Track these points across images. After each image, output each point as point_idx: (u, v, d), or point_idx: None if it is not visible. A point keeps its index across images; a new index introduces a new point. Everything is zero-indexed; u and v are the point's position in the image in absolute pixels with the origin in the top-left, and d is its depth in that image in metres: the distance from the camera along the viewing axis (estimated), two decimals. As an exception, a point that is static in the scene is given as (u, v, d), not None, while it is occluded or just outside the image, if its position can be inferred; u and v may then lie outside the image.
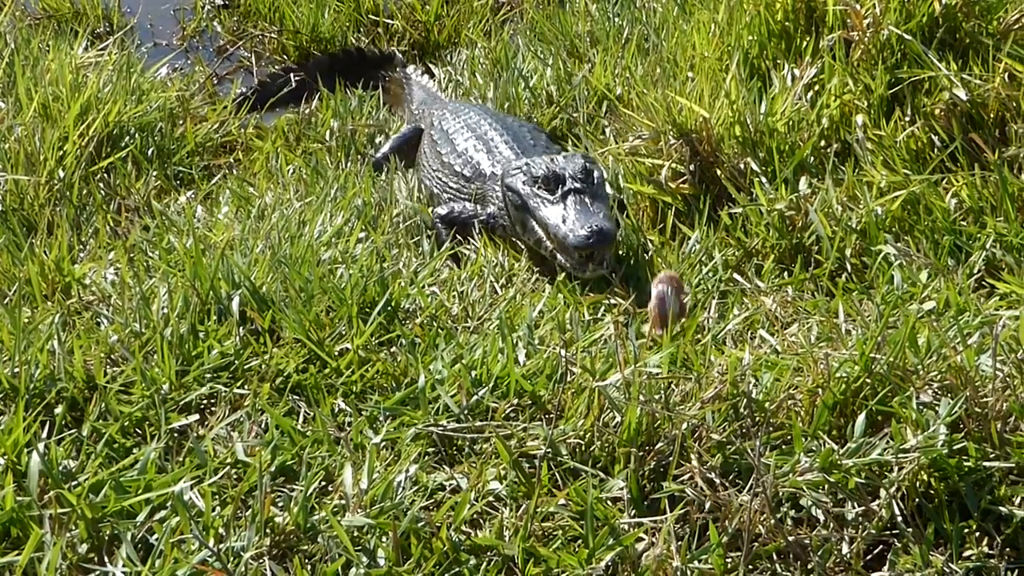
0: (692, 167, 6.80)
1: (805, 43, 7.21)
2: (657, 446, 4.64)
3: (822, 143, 6.76)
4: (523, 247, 6.50)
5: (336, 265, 5.93)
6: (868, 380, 4.73)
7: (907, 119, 6.69)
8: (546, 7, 9.93)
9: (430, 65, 8.92)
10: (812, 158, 6.64)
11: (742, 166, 6.69)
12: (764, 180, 6.54)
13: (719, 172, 6.72)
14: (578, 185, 6.28)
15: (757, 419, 4.71)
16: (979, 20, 6.93)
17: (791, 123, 6.83)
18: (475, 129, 7.16)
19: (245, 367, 5.20)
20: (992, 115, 6.55)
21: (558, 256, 6.16)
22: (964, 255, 5.95)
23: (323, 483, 4.57)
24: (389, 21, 10.29)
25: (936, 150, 6.52)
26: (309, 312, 5.39)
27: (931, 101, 6.64)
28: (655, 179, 6.81)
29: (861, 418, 4.59)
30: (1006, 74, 6.58)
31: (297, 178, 7.65)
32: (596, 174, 6.39)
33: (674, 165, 6.83)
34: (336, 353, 5.25)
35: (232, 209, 7.06)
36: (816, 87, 7.01)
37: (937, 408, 4.57)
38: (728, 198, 6.59)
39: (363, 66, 9.42)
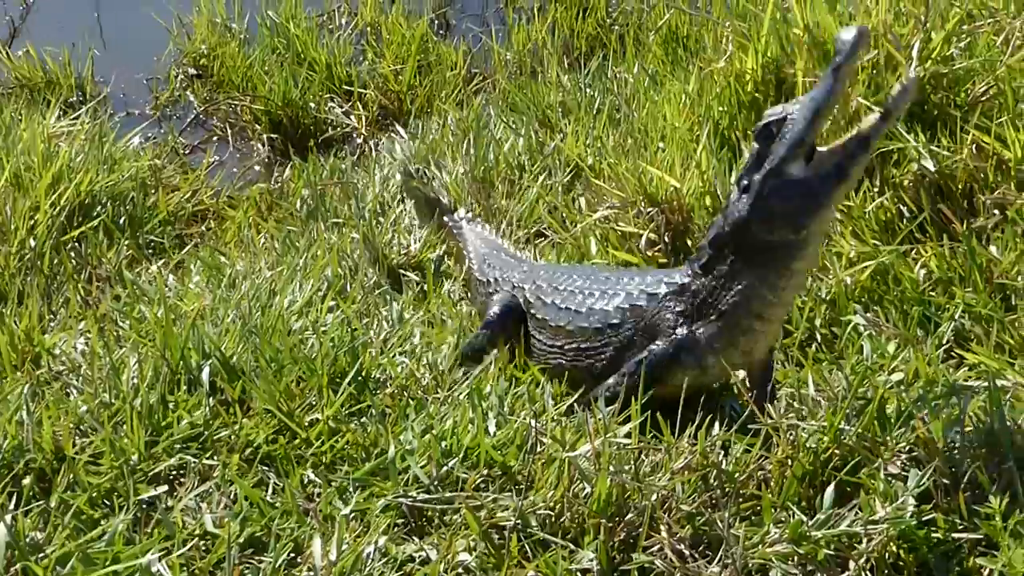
0: (664, 236, 6.83)
1: (775, 114, 7.25)
2: (627, 517, 4.62)
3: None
4: None
5: (307, 335, 5.92)
6: (837, 451, 4.74)
7: (876, 190, 6.74)
8: (518, 77, 10.01)
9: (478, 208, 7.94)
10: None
11: (713, 236, 6.71)
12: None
13: (690, 241, 6.75)
14: (789, 103, 5.28)
15: (727, 490, 4.71)
16: (947, 92, 6.99)
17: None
18: (590, 285, 5.97)
19: (215, 438, 5.17)
20: (960, 186, 6.60)
21: (871, 130, 5.05)
22: (933, 325, 5.97)
23: (292, 555, 4.54)
24: (362, 91, 10.33)
25: (905, 221, 6.57)
26: (279, 382, 5.38)
27: (900, 172, 6.70)
28: (631, 247, 6.84)
29: (830, 489, 4.58)
30: (974, 145, 6.63)
31: (268, 247, 7.65)
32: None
33: (650, 235, 6.87)
34: (306, 424, 5.23)
35: (203, 278, 7.06)
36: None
37: (906, 479, 4.58)
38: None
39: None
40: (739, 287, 5.28)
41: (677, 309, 5.48)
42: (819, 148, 5.12)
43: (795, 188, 5.11)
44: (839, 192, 5.12)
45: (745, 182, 5.23)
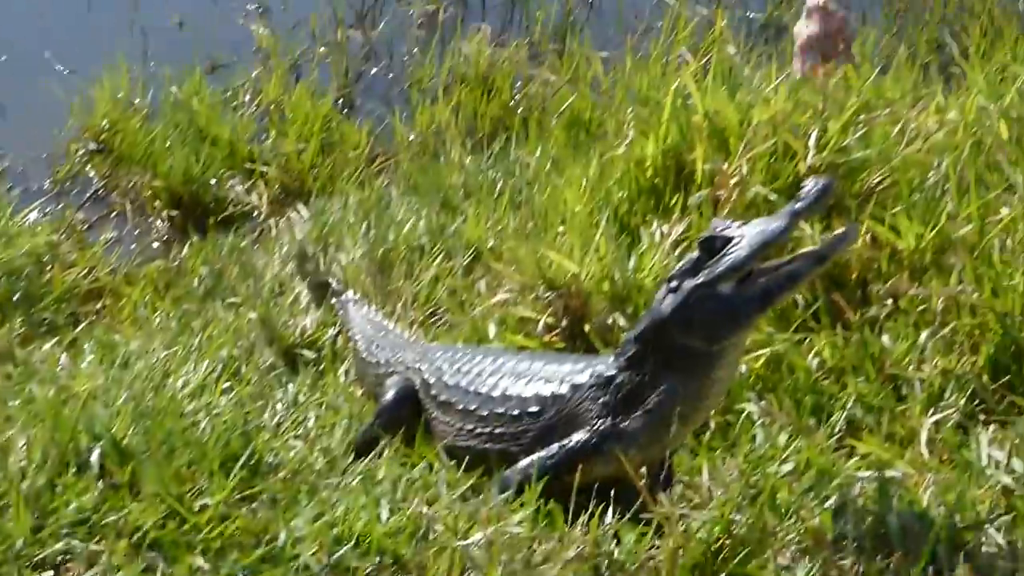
0: (563, 321, 6.85)
1: (674, 200, 7.33)
2: (518, 606, 4.62)
3: (689, 300, 6.83)
4: None
5: (200, 417, 5.87)
6: (728, 541, 4.75)
7: (772, 277, 6.79)
8: (421, 159, 10.04)
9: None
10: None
11: (610, 321, 6.74)
12: (631, 336, 6.58)
13: (587, 327, 6.76)
14: (740, 222, 5.31)
15: (618, 579, 4.72)
16: (843, 181, 7.08)
17: (659, 279, 6.88)
18: (499, 368, 5.92)
19: (103, 522, 5.09)
20: (854, 275, 6.69)
21: (801, 268, 5.11)
22: (826, 415, 6.01)
23: (179, 643, 4.49)
24: (264, 168, 10.31)
25: (800, 309, 6.61)
26: (170, 466, 5.31)
27: (795, 260, 6.75)
28: (529, 331, 6.85)
29: (721, 579, 4.61)
30: (868, 235, 6.71)
31: (164, 326, 7.60)
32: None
33: (548, 319, 6.88)
34: (196, 509, 5.17)
35: (97, 358, 6.99)
36: (684, 244, 7.10)
37: (795, 570, 4.60)
38: (597, 353, 6.62)
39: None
40: (663, 387, 5.30)
41: (601, 400, 5.46)
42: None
43: (720, 304, 5.17)
44: (760, 315, 5.28)
45: (675, 284, 5.29)
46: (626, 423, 5.37)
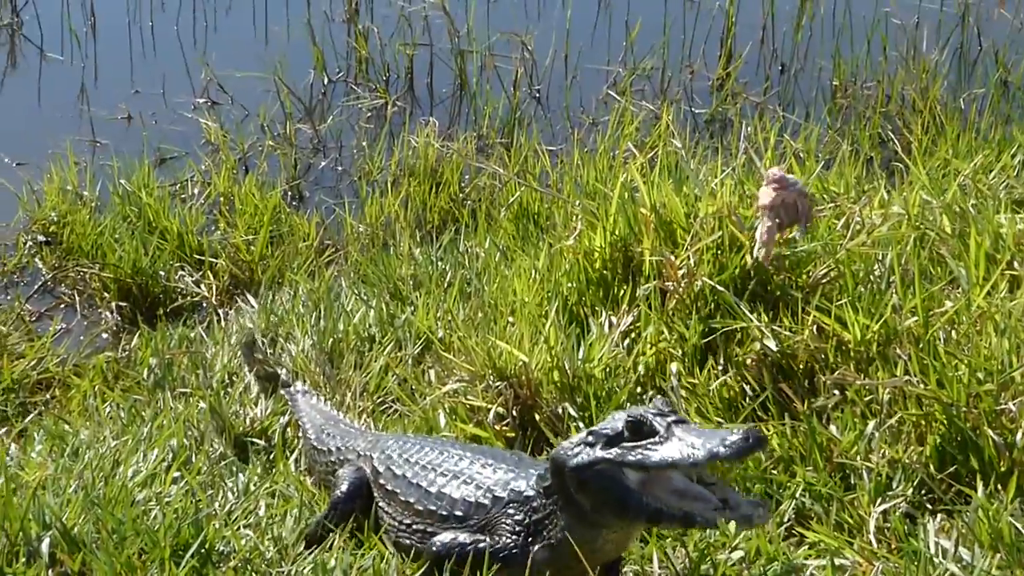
0: (513, 410, 6.90)
1: (622, 291, 7.41)
2: None
3: (638, 389, 6.91)
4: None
5: (150, 505, 5.87)
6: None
7: (720, 368, 6.87)
8: (371, 250, 10.10)
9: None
10: (628, 404, 6.75)
11: (560, 411, 6.79)
12: (581, 425, 6.63)
13: (538, 416, 6.81)
14: (677, 417, 5.32)
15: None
16: (789, 274, 7.18)
17: (608, 369, 6.97)
18: (441, 464, 6.01)
19: (52, 614, 5.11)
20: (802, 366, 6.76)
21: (697, 517, 5.14)
22: (775, 503, 6.07)
23: None
24: (214, 260, 10.35)
25: (748, 399, 6.69)
26: (121, 554, 5.32)
27: (743, 351, 6.84)
28: (479, 420, 6.90)
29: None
30: (814, 326, 6.80)
31: (114, 416, 7.60)
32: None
33: (498, 409, 6.93)
34: (148, 598, 5.19)
35: (46, 447, 6.98)
36: (633, 334, 7.18)
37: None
38: (547, 442, 6.67)
39: None
40: (563, 525, 5.40)
41: (516, 518, 5.55)
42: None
43: (614, 489, 5.22)
44: (645, 523, 5.30)
45: (591, 440, 5.33)
46: (536, 547, 5.46)
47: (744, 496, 5.18)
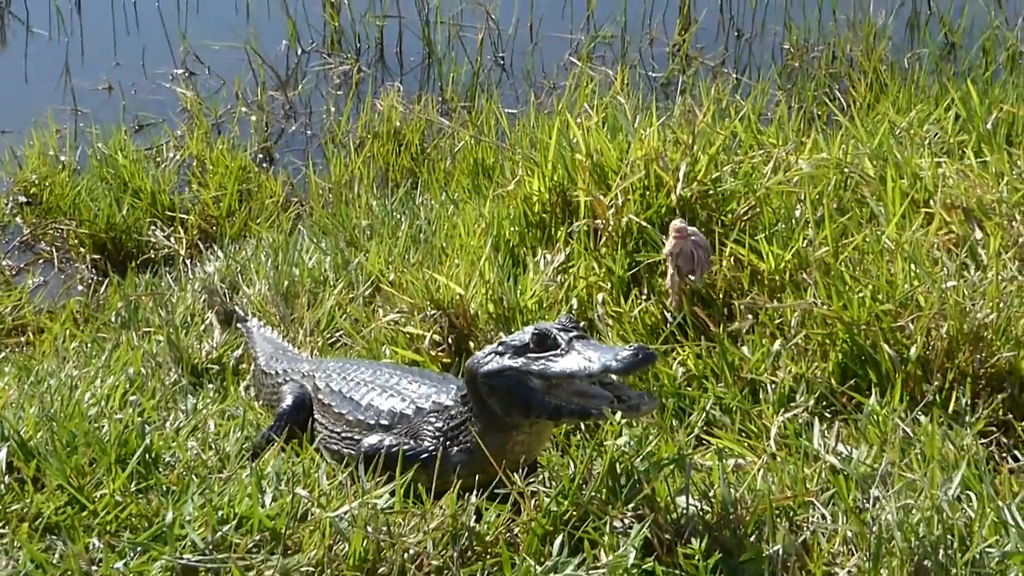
0: (450, 338, 7.34)
1: (559, 232, 7.82)
2: (379, 571, 5.06)
3: (568, 320, 7.32)
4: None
5: (102, 422, 6.26)
6: (575, 512, 5.24)
7: (644, 296, 7.30)
8: (334, 205, 10.50)
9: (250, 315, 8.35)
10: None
11: (494, 339, 7.19)
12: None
13: (473, 344, 7.24)
14: (578, 332, 5.78)
15: (476, 549, 5.19)
16: (712, 211, 7.60)
17: (541, 301, 7.40)
18: (373, 380, 6.51)
19: (7, 510, 5.49)
20: (720, 294, 7.19)
21: (592, 409, 5.61)
22: (688, 416, 6.50)
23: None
24: (184, 216, 10.77)
25: (668, 324, 7.11)
26: (71, 461, 5.71)
27: (665, 281, 7.23)
28: (417, 348, 7.33)
29: (559, 541, 5.15)
30: (732, 258, 7.24)
31: (80, 352, 8.00)
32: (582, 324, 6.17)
33: (435, 336, 7.36)
34: (95, 498, 5.58)
35: (13, 378, 7.37)
36: (568, 271, 7.61)
37: (629, 532, 5.09)
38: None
39: None
40: (476, 430, 5.85)
41: (436, 425, 6.03)
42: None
43: (520, 392, 5.69)
44: (548, 419, 5.72)
45: (501, 350, 5.81)
46: (454, 450, 5.92)
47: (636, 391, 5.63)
